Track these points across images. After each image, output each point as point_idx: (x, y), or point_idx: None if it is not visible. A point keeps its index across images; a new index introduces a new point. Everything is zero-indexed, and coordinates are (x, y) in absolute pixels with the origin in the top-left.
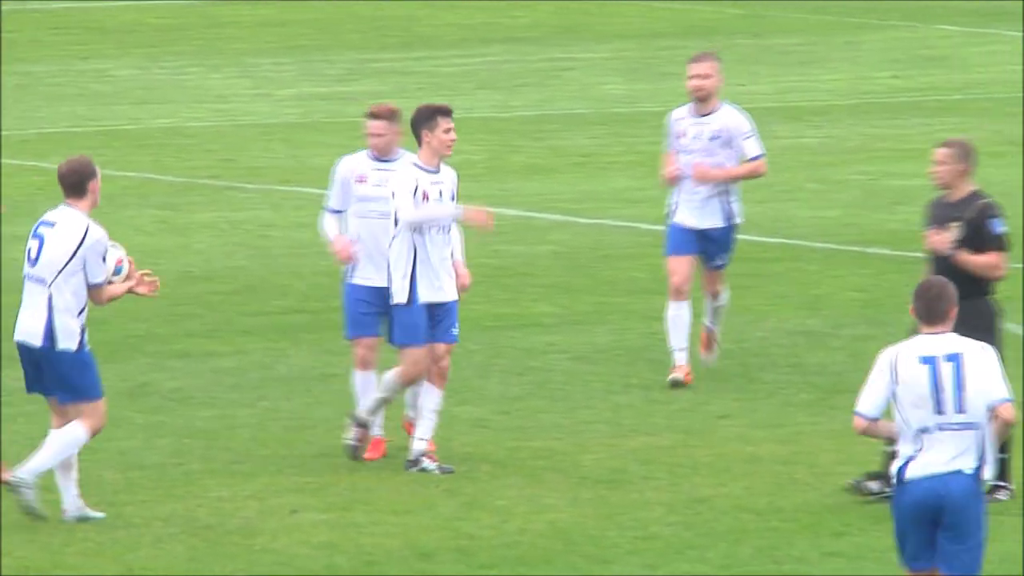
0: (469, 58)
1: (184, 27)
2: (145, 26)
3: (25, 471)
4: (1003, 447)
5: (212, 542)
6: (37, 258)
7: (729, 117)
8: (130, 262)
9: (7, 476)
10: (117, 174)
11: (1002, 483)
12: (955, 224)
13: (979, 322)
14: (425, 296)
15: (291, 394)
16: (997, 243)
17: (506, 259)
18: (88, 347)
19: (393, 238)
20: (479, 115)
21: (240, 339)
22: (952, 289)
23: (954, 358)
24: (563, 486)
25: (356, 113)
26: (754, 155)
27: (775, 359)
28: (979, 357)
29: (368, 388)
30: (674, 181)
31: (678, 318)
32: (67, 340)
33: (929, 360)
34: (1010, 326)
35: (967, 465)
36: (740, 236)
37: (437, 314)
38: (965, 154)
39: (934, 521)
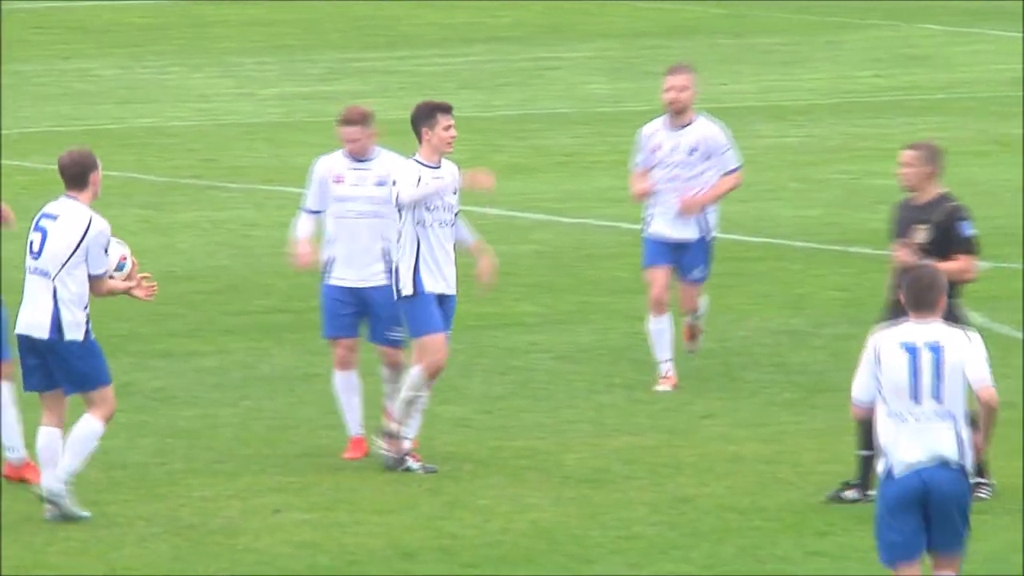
0: (451, 57)
1: (166, 26)
2: (127, 25)
3: (55, 481)
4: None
5: (195, 541)
6: (40, 251)
7: (706, 129)
8: (133, 263)
9: (39, 489)
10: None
11: (981, 480)
12: (923, 227)
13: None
14: (430, 287)
15: (274, 394)
16: (966, 246)
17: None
18: (93, 336)
19: (399, 231)
20: (462, 115)
21: (223, 339)
22: (942, 278)
23: (935, 348)
24: (546, 486)
25: (338, 112)
26: (732, 168)
27: (758, 358)
28: (962, 346)
29: (349, 388)
30: (645, 197)
31: (661, 332)
32: (74, 331)
33: (910, 348)
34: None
35: (949, 456)
36: (723, 235)
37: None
38: (932, 156)
39: (921, 512)
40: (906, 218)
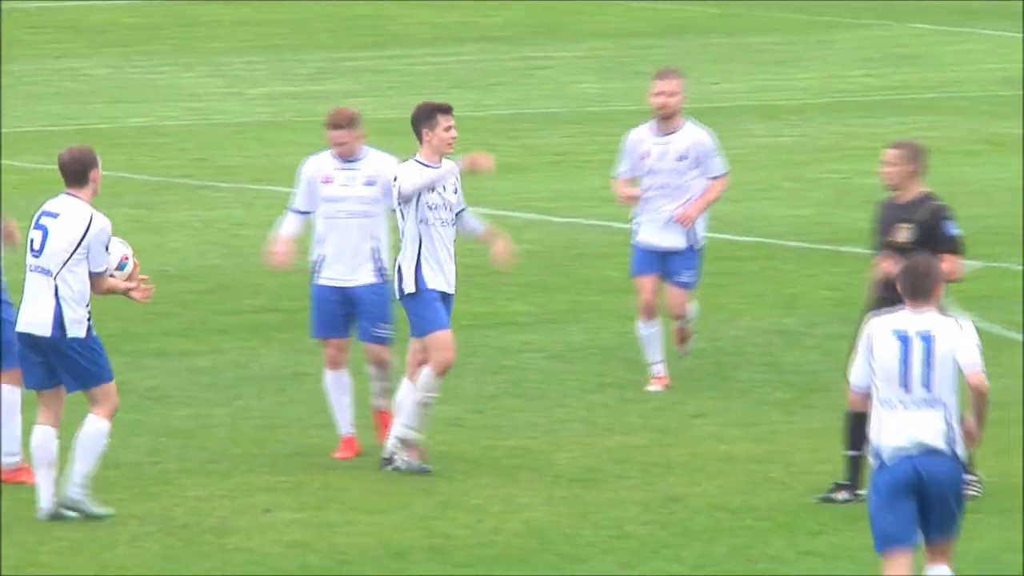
0: (443, 57)
1: (157, 26)
2: (118, 25)
3: (73, 488)
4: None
5: (187, 541)
6: (41, 249)
7: (694, 135)
8: (135, 264)
9: (64, 497)
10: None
11: (971, 476)
12: (906, 226)
13: None
14: (432, 284)
15: (265, 393)
16: (951, 245)
17: (481, 258)
18: (95, 332)
19: (401, 230)
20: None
21: (215, 338)
22: (938, 267)
23: (927, 336)
24: (538, 485)
25: (328, 113)
26: (719, 173)
27: (750, 358)
28: (954, 334)
29: (339, 388)
30: (632, 201)
31: (651, 336)
32: (76, 328)
33: (902, 336)
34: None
35: (938, 443)
36: (715, 235)
37: None
38: (915, 155)
39: (913, 495)
40: (889, 217)
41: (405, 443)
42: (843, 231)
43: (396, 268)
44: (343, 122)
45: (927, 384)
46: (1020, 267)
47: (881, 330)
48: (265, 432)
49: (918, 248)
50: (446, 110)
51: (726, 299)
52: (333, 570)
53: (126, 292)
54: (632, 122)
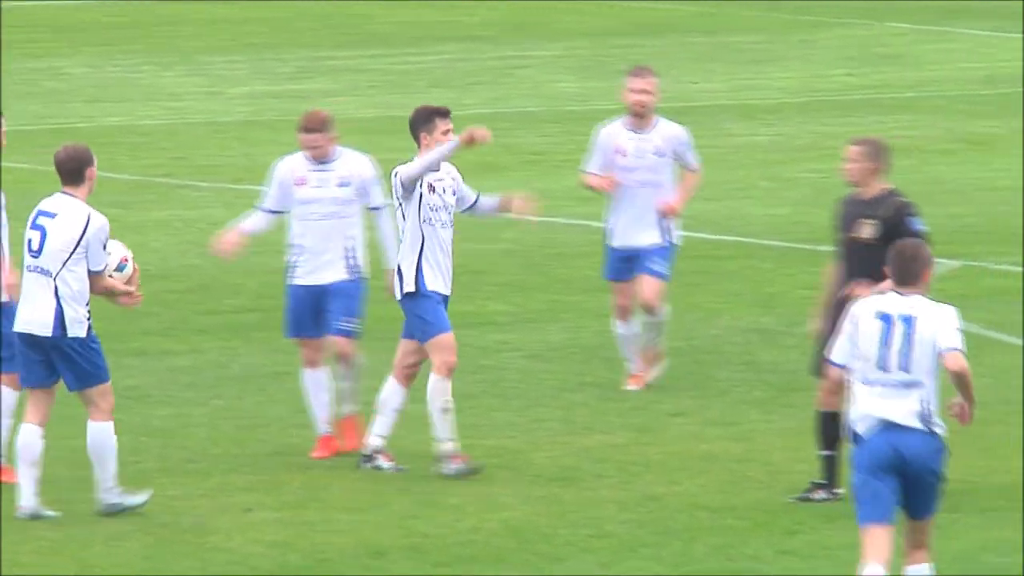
0: (422, 56)
1: (136, 25)
2: (98, 24)
3: (106, 493)
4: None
5: (166, 540)
6: (40, 249)
7: (671, 130)
8: (135, 267)
9: (102, 506)
10: None
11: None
12: (870, 222)
13: None
14: (432, 285)
15: (244, 392)
16: None
17: (459, 257)
18: (94, 332)
19: (401, 230)
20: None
21: (195, 337)
22: (927, 251)
23: (908, 319)
24: (516, 484)
25: (308, 111)
26: (694, 167)
27: (728, 357)
28: (934, 317)
29: (318, 387)
30: (611, 186)
31: (628, 336)
32: (77, 328)
33: (885, 317)
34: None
35: (913, 423)
36: (693, 234)
37: None
38: (877, 152)
39: (892, 471)
40: (851, 213)
41: (446, 454)
42: (821, 230)
43: (395, 268)
44: (316, 125)
45: (905, 366)
46: (1003, 267)
47: (866, 311)
48: (245, 432)
49: (882, 244)
50: (444, 113)
51: (704, 298)
52: (312, 569)
53: (124, 294)
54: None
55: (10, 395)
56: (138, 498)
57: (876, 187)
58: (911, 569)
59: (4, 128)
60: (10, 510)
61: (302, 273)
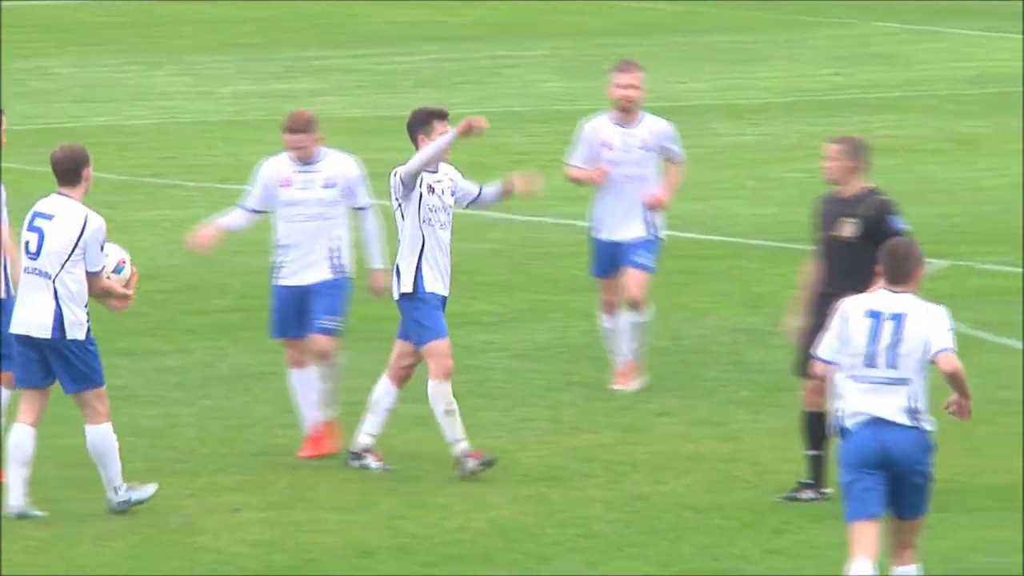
0: (409, 56)
1: (124, 25)
2: (85, 24)
3: (113, 492)
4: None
5: (153, 540)
6: (38, 251)
7: (656, 125)
8: (133, 271)
9: (110, 506)
10: None
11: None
12: (851, 220)
13: None
14: (430, 287)
15: (232, 392)
16: None
17: None
18: (92, 334)
19: (400, 231)
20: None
21: (183, 337)
22: (918, 250)
23: (897, 317)
24: (503, 484)
25: (286, 116)
26: (678, 159)
27: (716, 357)
28: (924, 316)
29: (305, 386)
30: (600, 177)
31: (615, 330)
32: (76, 330)
33: (874, 314)
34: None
35: (900, 419)
36: (680, 234)
37: None
38: (855, 151)
39: (879, 468)
40: (832, 211)
41: (461, 457)
42: (808, 230)
43: (394, 268)
44: (300, 126)
45: (893, 363)
46: (991, 267)
47: (856, 309)
48: (232, 432)
49: (862, 243)
50: (442, 115)
51: (691, 298)
52: (299, 569)
53: (122, 297)
54: None
55: (6, 394)
56: (146, 491)
57: (856, 185)
58: (898, 570)
59: (4, 126)
60: None
61: (287, 274)
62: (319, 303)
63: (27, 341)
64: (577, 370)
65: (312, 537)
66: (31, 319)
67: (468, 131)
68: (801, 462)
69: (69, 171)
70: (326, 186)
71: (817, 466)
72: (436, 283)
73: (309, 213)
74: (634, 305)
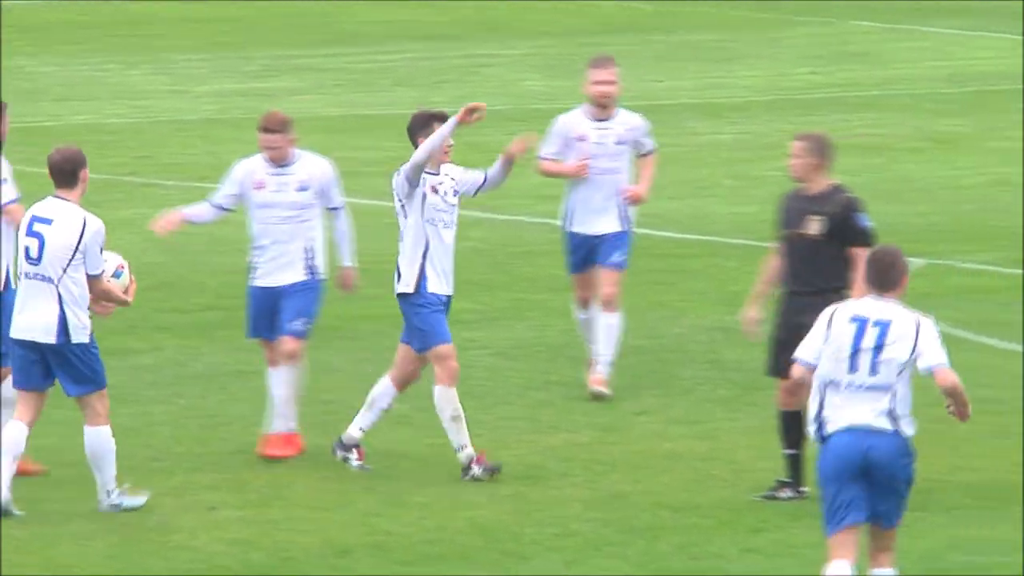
0: (388, 54)
1: (103, 24)
2: (64, 23)
3: (106, 495)
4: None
5: (131, 539)
6: (40, 257)
7: (631, 120)
8: (132, 280)
9: (102, 507)
10: (37, 171)
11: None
12: (817, 218)
13: None
14: (433, 287)
15: (208, 391)
16: (863, 238)
17: None
18: (94, 336)
19: (403, 231)
20: (398, 112)
21: (158, 336)
22: (904, 259)
23: (882, 324)
24: (482, 483)
25: (273, 109)
26: (651, 150)
27: (693, 355)
28: (910, 326)
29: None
30: (582, 170)
31: (591, 320)
32: (80, 334)
33: (859, 320)
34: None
35: (880, 424)
36: (658, 232)
37: None
38: (820, 148)
39: (860, 476)
40: (797, 208)
41: (468, 461)
42: None
43: (395, 268)
44: (275, 126)
45: (874, 370)
46: (969, 265)
47: (841, 314)
48: (208, 430)
49: (828, 240)
50: (442, 118)
51: (669, 297)
52: (277, 568)
53: (121, 303)
54: None
55: (9, 388)
56: (138, 499)
57: (821, 183)
58: (876, 571)
59: (7, 118)
60: None
61: (261, 274)
62: (290, 305)
63: (32, 348)
64: (555, 369)
65: (289, 536)
66: (34, 324)
67: (468, 116)
68: (778, 461)
69: (67, 173)
70: (300, 189)
71: (795, 465)
72: (440, 283)
73: (283, 215)
74: (608, 303)
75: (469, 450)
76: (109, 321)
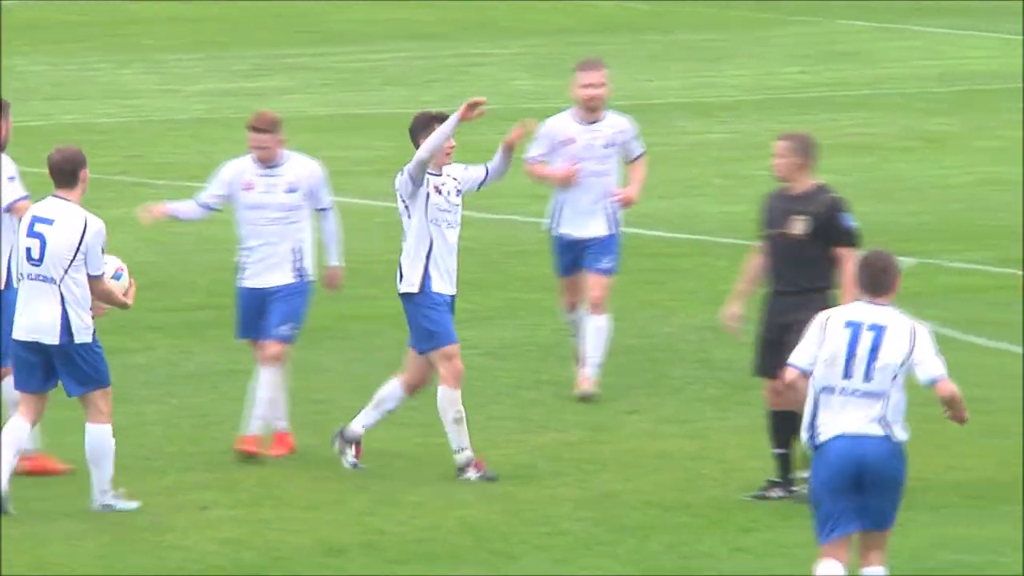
0: (378, 54)
1: (93, 23)
2: (54, 22)
3: (101, 495)
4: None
5: (122, 538)
6: (41, 257)
7: (618, 123)
8: (132, 282)
9: (95, 505)
10: (28, 171)
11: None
12: (801, 217)
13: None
14: (437, 287)
15: (199, 390)
16: (848, 238)
17: None
18: (97, 335)
19: (406, 231)
20: (388, 111)
21: (150, 335)
22: (896, 262)
23: (877, 329)
24: (473, 482)
25: (263, 109)
26: (639, 154)
27: (683, 355)
28: (906, 333)
29: (272, 385)
30: (573, 177)
31: (576, 321)
32: (83, 334)
33: (854, 325)
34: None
35: (874, 430)
36: (648, 232)
37: None
38: (803, 148)
39: (853, 483)
40: (781, 208)
41: (465, 464)
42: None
43: (398, 267)
44: (265, 126)
45: (868, 375)
46: (958, 264)
47: (836, 319)
48: (200, 430)
49: (812, 240)
50: (443, 119)
51: (659, 296)
52: (268, 567)
53: (121, 305)
54: None
55: (8, 386)
56: (130, 504)
57: (805, 182)
58: (866, 570)
59: (10, 118)
60: None
61: (250, 275)
62: (277, 309)
63: (35, 349)
64: (546, 368)
65: (281, 535)
66: (38, 325)
67: (469, 111)
68: (767, 460)
69: (68, 173)
70: (289, 190)
71: (785, 464)
72: (444, 283)
73: (271, 216)
74: (596, 306)
75: (469, 453)
76: (101, 321)
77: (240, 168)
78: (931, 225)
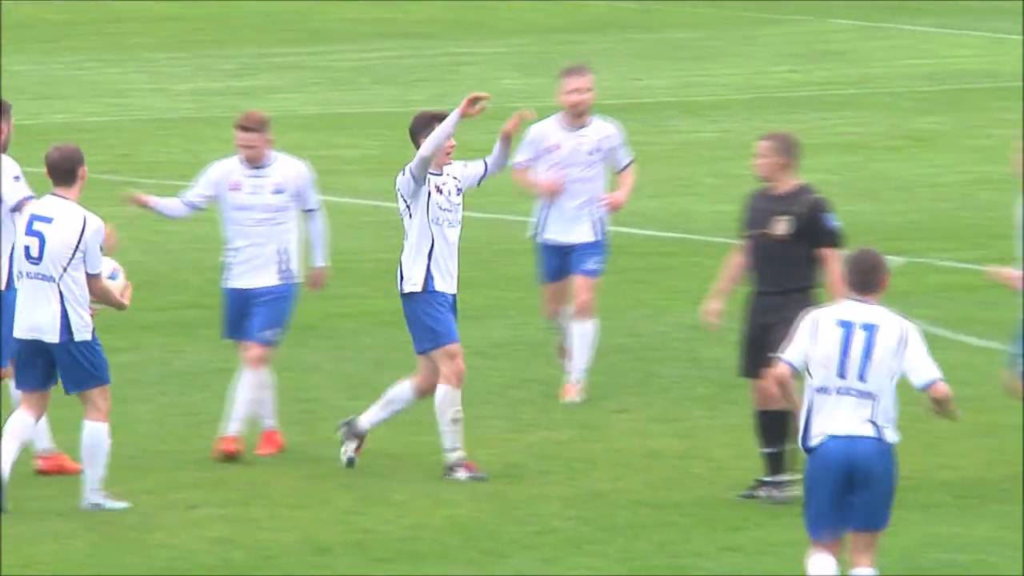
0: (366, 53)
1: (81, 22)
2: (42, 21)
3: (92, 493)
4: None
5: (111, 537)
6: (40, 256)
7: (605, 129)
8: (128, 284)
9: (85, 503)
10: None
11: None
12: (784, 218)
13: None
14: (440, 286)
15: (189, 389)
16: (831, 238)
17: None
18: (96, 334)
19: (407, 230)
20: (376, 110)
21: (139, 334)
22: (884, 261)
23: (869, 328)
24: (462, 482)
25: (252, 108)
26: (628, 162)
27: (672, 354)
28: (898, 334)
29: (260, 384)
30: (559, 189)
31: (563, 323)
32: (83, 332)
33: (846, 324)
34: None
35: (867, 432)
36: (638, 231)
37: None
38: (786, 148)
39: (845, 484)
40: (763, 208)
41: (456, 464)
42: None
43: (399, 267)
44: (253, 125)
45: (862, 375)
46: (948, 263)
47: (827, 318)
48: (189, 428)
49: (795, 240)
50: (443, 119)
51: (649, 295)
52: (257, 566)
53: (119, 305)
54: None
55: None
56: (119, 504)
57: (788, 183)
58: (856, 571)
59: (11, 119)
60: None
61: (236, 275)
62: (261, 312)
63: (34, 347)
64: (534, 367)
65: (269, 534)
66: (37, 324)
67: (470, 107)
68: (756, 458)
69: (66, 171)
70: (276, 191)
71: (774, 464)
72: (445, 282)
73: (258, 217)
74: (583, 310)
75: (461, 453)
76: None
77: (227, 168)
78: (921, 224)
